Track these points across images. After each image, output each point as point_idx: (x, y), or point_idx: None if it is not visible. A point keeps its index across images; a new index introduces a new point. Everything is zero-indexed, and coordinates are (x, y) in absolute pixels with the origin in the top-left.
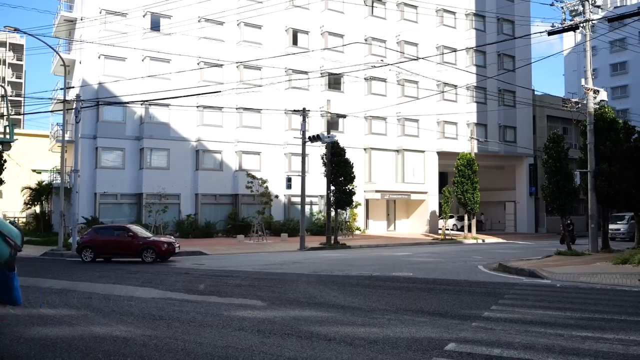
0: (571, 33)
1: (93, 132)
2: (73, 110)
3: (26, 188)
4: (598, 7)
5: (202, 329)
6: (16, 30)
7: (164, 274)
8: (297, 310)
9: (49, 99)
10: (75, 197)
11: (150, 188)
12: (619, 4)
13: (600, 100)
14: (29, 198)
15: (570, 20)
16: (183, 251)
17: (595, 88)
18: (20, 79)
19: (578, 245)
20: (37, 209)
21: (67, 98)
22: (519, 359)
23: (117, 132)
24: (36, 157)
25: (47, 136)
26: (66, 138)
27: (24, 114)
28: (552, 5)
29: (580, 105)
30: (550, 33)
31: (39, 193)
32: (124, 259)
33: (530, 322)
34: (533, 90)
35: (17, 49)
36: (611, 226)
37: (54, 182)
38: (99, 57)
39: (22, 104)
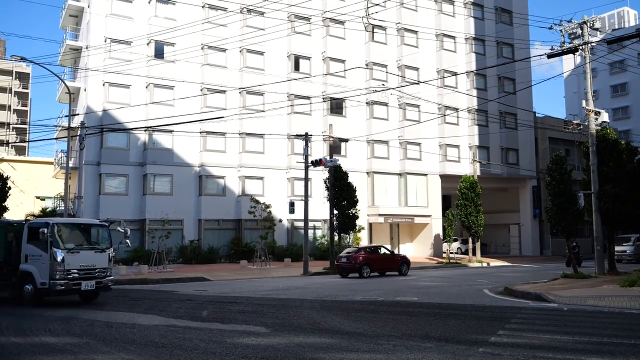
0: (571, 55)
1: (97, 158)
2: (77, 137)
3: (30, 215)
4: (596, 29)
5: (205, 356)
6: (23, 59)
7: (167, 300)
8: (301, 337)
9: (54, 126)
10: None
11: (153, 214)
12: (617, 27)
13: (602, 122)
14: None
15: (570, 43)
16: (186, 277)
17: (597, 109)
18: (26, 106)
19: (584, 268)
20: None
21: (71, 125)
22: None
23: (121, 159)
24: (40, 184)
25: (51, 163)
26: (70, 165)
27: (28, 141)
28: (550, 28)
29: (581, 127)
30: (549, 56)
31: None
32: (374, 272)
33: (538, 347)
34: (534, 113)
35: (23, 77)
36: (617, 248)
37: (58, 208)
38: (103, 85)
39: (27, 132)
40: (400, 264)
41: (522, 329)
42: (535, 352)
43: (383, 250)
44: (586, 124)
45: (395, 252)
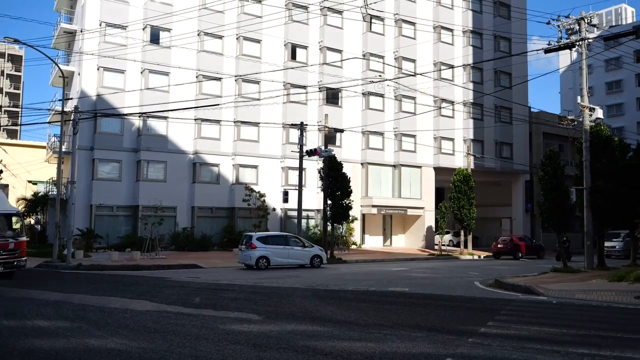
0: (567, 51)
1: (90, 143)
2: (71, 122)
3: (22, 199)
4: (594, 26)
5: (198, 342)
6: (16, 41)
7: (160, 286)
8: (293, 325)
9: (47, 110)
10: (71, 209)
11: (146, 200)
12: (614, 24)
13: (596, 118)
14: (24, 209)
15: (567, 39)
16: (178, 264)
17: (591, 106)
18: (19, 89)
19: (574, 262)
20: (33, 220)
21: (65, 109)
22: None
23: (115, 144)
24: (32, 168)
25: (43, 147)
26: (63, 149)
27: (21, 125)
28: (548, 23)
29: (576, 123)
30: (546, 51)
31: (35, 204)
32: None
33: (526, 338)
34: (529, 107)
35: (15, 60)
36: (607, 243)
37: (50, 193)
38: (97, 69)
39: (20, 115)
40: (538, 249)
41: (511, 320)
42: (524, 343)
43: (525, 238)
44: (580, 120)
45: (534, 241)
